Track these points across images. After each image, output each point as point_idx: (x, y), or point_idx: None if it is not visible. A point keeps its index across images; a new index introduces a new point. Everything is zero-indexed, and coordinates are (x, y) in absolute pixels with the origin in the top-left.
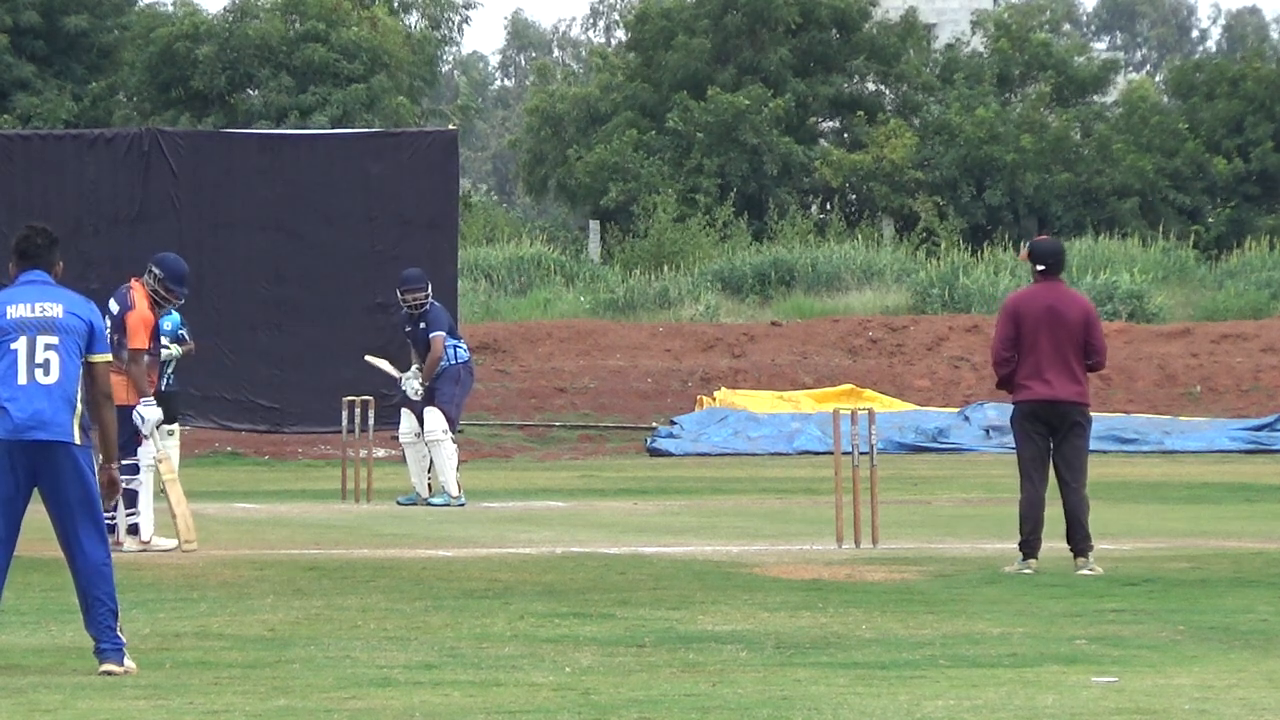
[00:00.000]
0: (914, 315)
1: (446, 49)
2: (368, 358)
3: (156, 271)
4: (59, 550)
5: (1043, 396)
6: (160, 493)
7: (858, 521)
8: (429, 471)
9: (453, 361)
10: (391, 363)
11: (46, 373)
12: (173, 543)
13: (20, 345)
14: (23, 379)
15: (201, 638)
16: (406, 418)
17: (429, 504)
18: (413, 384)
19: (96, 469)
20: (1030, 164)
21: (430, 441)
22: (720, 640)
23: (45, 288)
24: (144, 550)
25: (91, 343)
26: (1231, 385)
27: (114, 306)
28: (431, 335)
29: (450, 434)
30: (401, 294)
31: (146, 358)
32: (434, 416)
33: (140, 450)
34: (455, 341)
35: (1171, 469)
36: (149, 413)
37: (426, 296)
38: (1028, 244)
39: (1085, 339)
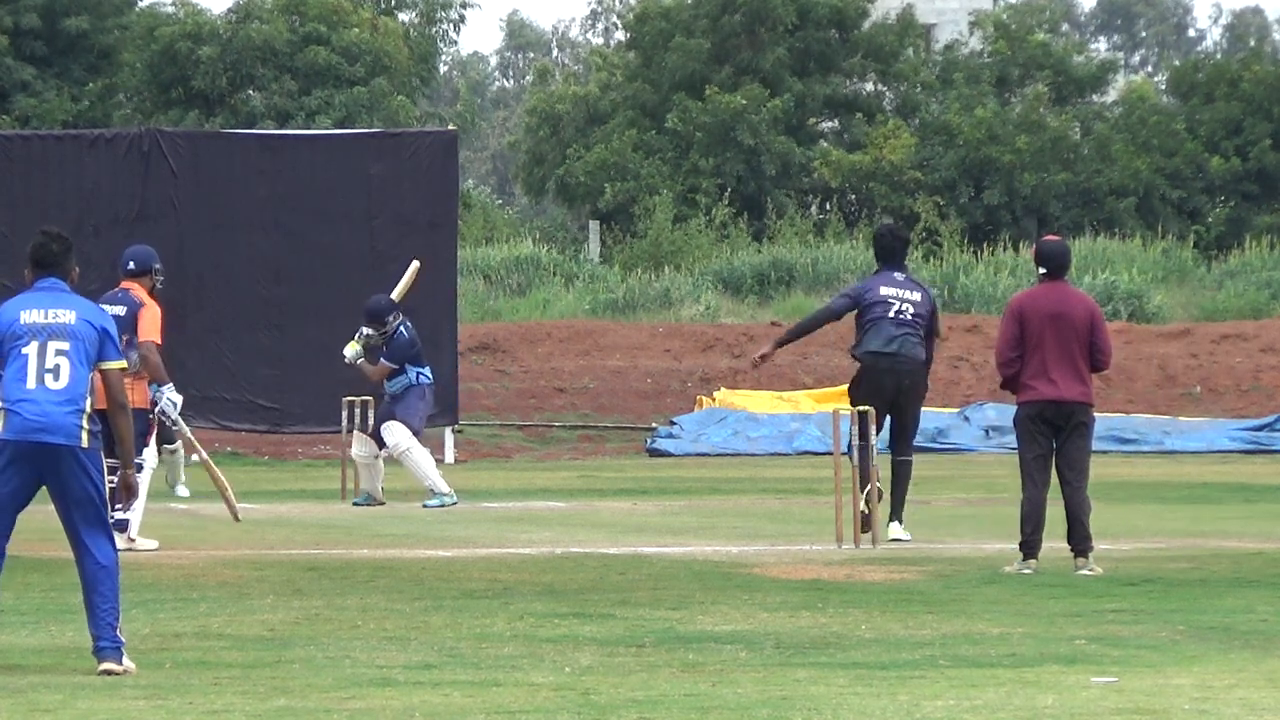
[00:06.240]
0: None
1: (445, 50)
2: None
3: (132, 267)
4: (59, 550)
5: (1048, 397)
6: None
7: (857, 522)
8: (383, 478)
9: (415, 384)
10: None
11: (56, 378)
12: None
13: (31, 350)
14: (31, 383)
15: (201, 638)
16: (359, 441)
17: (425, 506)
18: (353, 348)
19: (120, 473)
20: (1028, 164)
21: (400, 455)
22: (720, 640)
23: (59, 294)
24: (128, 549)
25: (104, 350)
26: (1231, 385)
27: (119, 310)
28: (382, 361)
29: (417, 437)
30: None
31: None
32: (395, 431)
33: (145, 451)
34: (420, 368)
35: (1171, 469)
36: (175, 396)
37: (391, 325)
38: (1035, 244)
39: (1090, 339)
